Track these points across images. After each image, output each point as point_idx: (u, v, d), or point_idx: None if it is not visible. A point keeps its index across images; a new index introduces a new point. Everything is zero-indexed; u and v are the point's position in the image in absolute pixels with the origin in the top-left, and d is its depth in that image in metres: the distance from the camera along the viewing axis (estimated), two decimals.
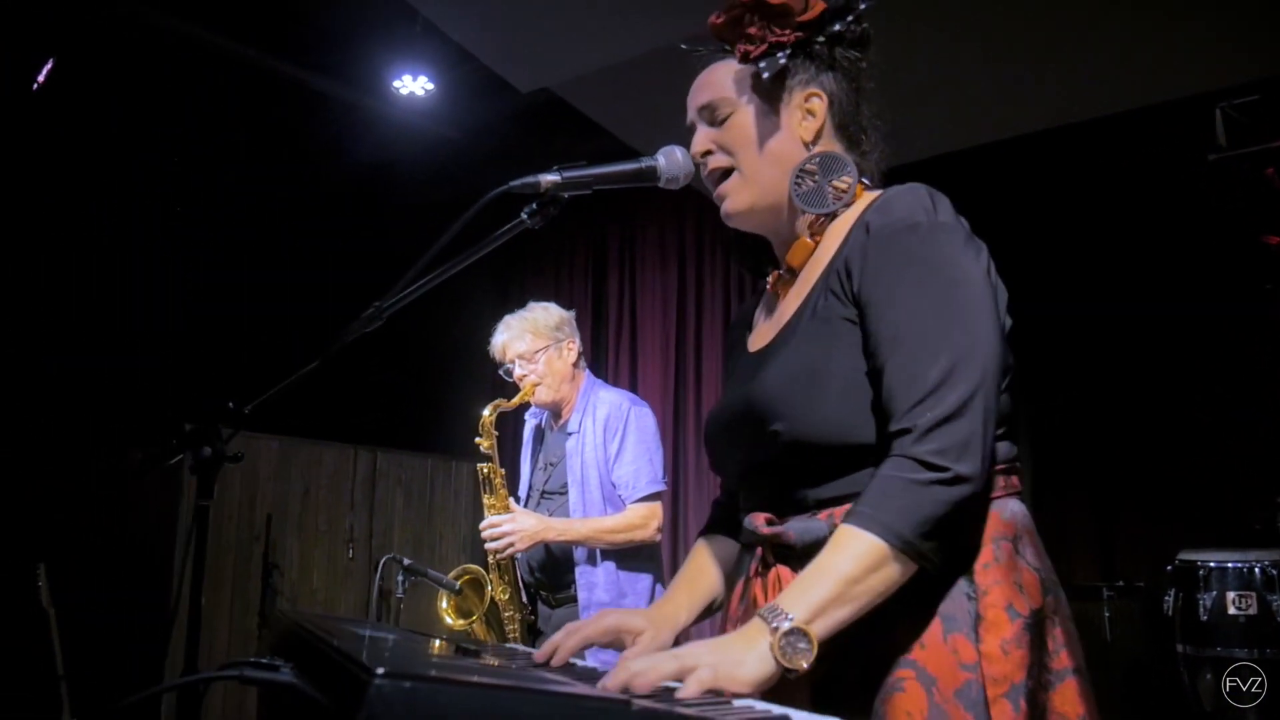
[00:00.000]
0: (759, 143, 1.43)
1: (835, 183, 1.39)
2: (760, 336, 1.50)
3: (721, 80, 1.47)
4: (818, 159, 1.40)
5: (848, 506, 1.24)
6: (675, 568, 1.62)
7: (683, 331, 6.48)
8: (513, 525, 3.10)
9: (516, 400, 3.34)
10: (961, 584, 1.22)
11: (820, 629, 1.12)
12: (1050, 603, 1.26)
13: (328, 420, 6.18)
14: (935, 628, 1.20)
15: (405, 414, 6.90)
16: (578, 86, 4.53)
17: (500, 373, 3.44)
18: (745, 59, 1.42)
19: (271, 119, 5.42)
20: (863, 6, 1.42)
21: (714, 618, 1.56)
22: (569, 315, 3.44)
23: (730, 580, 1.53)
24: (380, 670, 0.66)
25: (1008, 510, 1.30)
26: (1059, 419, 6.33)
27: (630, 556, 3.28)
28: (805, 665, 1.09)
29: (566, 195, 1.45)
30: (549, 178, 1.43)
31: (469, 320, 7.06)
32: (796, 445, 1.29)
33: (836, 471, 1.29)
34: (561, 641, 1.35)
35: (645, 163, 1.47)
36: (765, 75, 1.40)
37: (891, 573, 1.15)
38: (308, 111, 5.34)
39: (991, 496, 1.28)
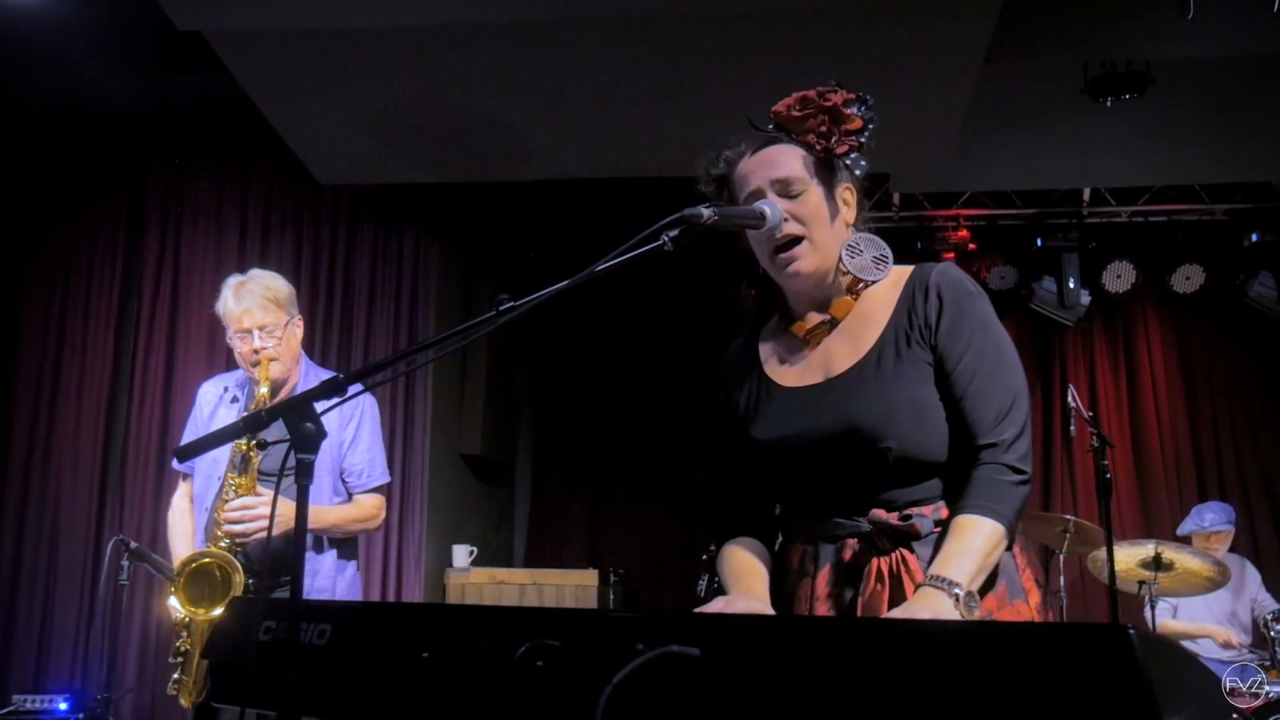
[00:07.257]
0: (824, 220, 1.80)
1: (874, 256, 1.80)
2: (804, 373, 1.84)
3: (793, 162, 1.80)
4: (862, 239, 1.81)
5: (932, 506, 1.71)
6: None
7: None
8: (268, 509, 2.91)
9: (263, 380, 3.09)
10: (1011, 562, 1.73)
11: (975, 588, 1.58)
12: (1041, 576, 1.80)
13: None
14: (1003, 593, 1.70)
15: None
16: (234, 38, 4.18)
17: (227, 340, 3.17)
18: (826, 151, 1.79)
19: None
20: (871, 126, 1.83)
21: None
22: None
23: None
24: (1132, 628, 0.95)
25: None
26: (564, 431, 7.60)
27: (348, 545, 3.26)
28: (977, 615, 1.56)
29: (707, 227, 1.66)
30: (708, 212, 1.65)
31: None
32: (903, 460, 1.70)
33: (921, 478, 1.72)
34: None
35: (757, 209, 1.75)
36: (858, 172, 1.83)
37: (1003, 547, 1.65)
38: None
39: None
